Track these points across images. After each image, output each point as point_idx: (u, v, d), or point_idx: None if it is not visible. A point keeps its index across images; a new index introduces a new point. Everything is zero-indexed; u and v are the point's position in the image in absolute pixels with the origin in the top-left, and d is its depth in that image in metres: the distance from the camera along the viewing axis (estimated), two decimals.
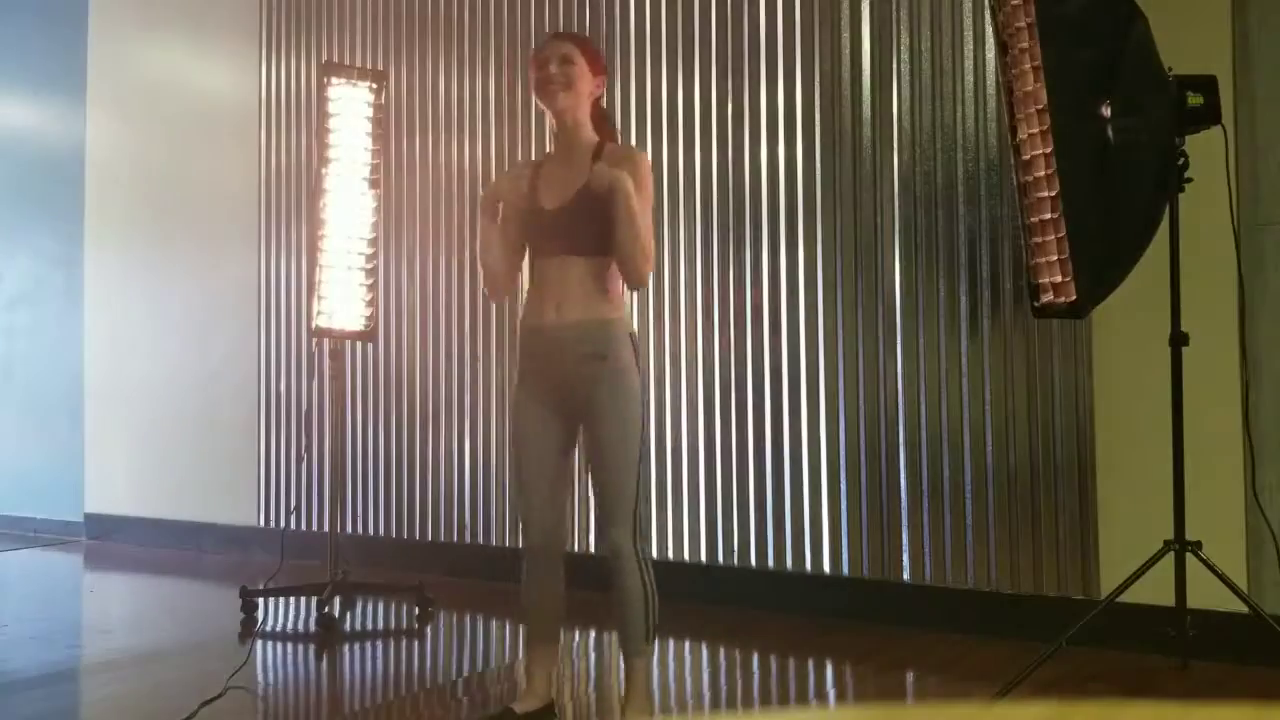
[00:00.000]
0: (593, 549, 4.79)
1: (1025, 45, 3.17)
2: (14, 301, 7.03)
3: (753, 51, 4.55)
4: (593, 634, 4.16)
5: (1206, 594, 3.28)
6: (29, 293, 6.97)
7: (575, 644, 4.09)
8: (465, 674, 3.79)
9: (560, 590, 3.09)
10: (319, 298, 4.38)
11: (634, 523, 2.94)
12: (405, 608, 4.60)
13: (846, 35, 4.35)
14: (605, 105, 3.18)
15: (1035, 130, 3.16)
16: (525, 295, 3.10)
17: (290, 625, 4.49)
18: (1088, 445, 3.86)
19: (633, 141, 4.77)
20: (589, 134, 3.06)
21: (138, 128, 6.44)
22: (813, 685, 3.64)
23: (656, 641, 3.02)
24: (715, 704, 3.36)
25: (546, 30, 5.05)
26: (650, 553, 3.08)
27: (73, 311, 6.66)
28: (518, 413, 3.06)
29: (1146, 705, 0.59)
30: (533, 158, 5.08)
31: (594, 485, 3.01)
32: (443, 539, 5.26)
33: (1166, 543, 3.24)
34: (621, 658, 3.03)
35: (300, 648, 4.25)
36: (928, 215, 4.16)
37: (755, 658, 3.87)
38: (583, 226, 2.94)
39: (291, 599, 4.64)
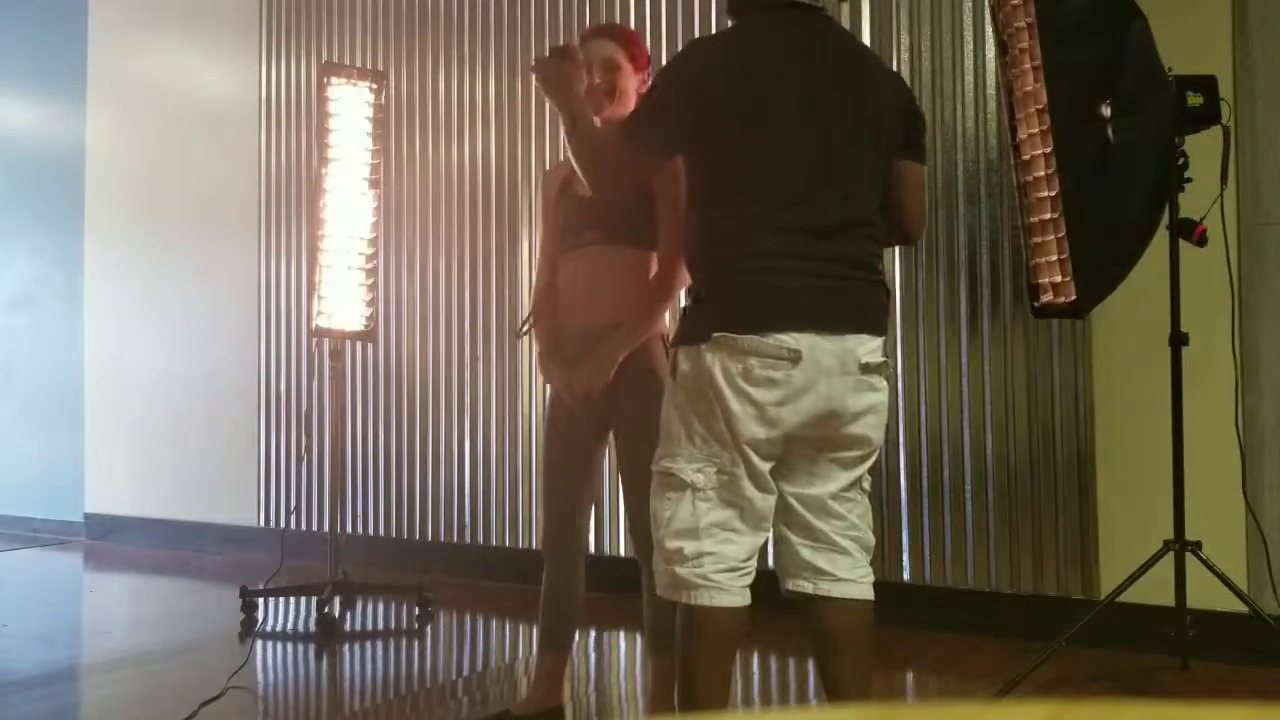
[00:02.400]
0: (592, 549, 4.79)
1: (1025, 45, 3.17)
2: (14, 301, 7.03)
3: None
4: (593, 634, 4.16)
5: (1206, 594, 3.28)
6: (29, 293, 6.97)
7: (575, 644, 4.09)
8: (465, 674, 3.79)
9: (576, 594, 3.04)
10: (319, 298, 4.37)
11: None
12: (405, 608, 4.60)
13: None
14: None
15: (1035, 130, 3.16)
16: (561, 296, 3.00)
17: (290, 625, 4.49)
18: (1087, 445, 3.86)
19: None
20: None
21: (138, 128, 6.44)
22: (813, 685, 3.64)
23: None
24: None
25: (547, 31, 5.05)
26: None
27: (73, 311, 6.66)
28: (550, 414, 3.02)
29: (1146, 705, 0.59)
30: (535, 156, 5.08)
31: (625, 490, 2.93)
32: (443, 539, 5.26)
33: (1166, 543, 3.24)
34: (644, 655, 3.02)
35: (300, 648, 4.25)
36: (927, 215, 4.16)
37: (755, 658, 3.87)
38: (618, 212, 2.85)
39: (291, 599, 4.64)
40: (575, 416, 2.94)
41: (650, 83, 2.49)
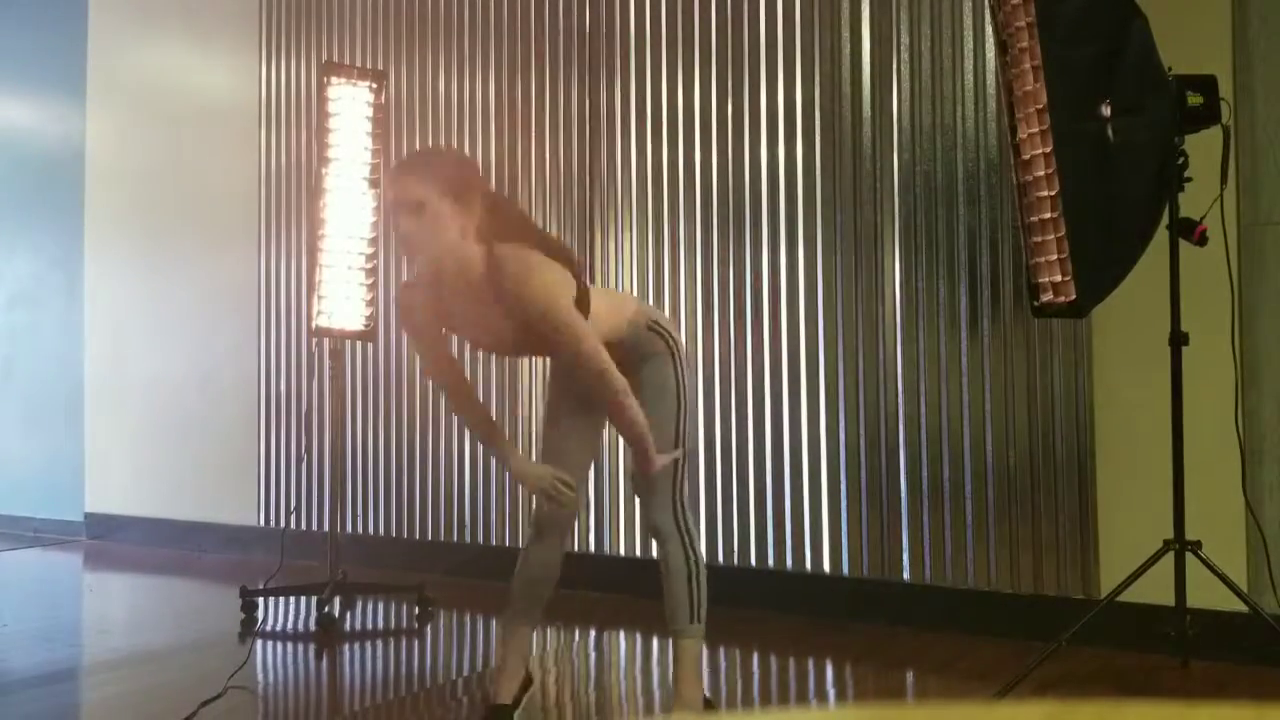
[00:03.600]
0: (592, 549, 4.79)
1: (1025, 45, 3.17)
2: (14, 301, 7.03)
3: (753, 51, 4.55)
4: (592, 634, 4.16)
5: (1206, 594, 3.28)
6: (29, 293, 6.97)
7: (575, 643, 4.09)
8: (465, 674, 3.79)
9: (554, 569, 3.00)
10: (319, 297, 4.37)
11: (675, 500, 2.89)
12: (405, 608, 4.60)
13: (846, 35, 4.35)
14: (490, 210, 2.73)
15: (1035, 130, 3.16)
16: None
17: (290, 625, 4.49)
18: (1088, 445, 3.86)
19: (632, 142, 4.77)
20: (477, 262, 2.69)
21: (138, 128, 6.44)
22: (813, 685, 3.64)
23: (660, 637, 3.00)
24: (715, 704, 3.36)
25: (547, 31, 5.05)
26: (696, 529, 2.96)
27: (73, 311, 6.66)
28: (550, 391, 3.07)
29: (1146, 705, 0.59)
30: (534, 156, 5.07)
31: (634, 465, 2.95)
32: (443, 539, 5.26)
33: (1166, 542, 3.24)
34: (671, 638, 2.97)
35: (300, 648, 4.25)
36: (928, 215, 4.16)
37: (755, 658, 3.87)
38: (544, 349, 2.92)
39: (291, 599, 4.64)
40: (576, 402, 2.96)
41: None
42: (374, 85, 4.52)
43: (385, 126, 4.69)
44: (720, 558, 4.52)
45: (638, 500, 2.99)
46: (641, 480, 2.92)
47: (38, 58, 6.96)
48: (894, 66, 4.25)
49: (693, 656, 2.94)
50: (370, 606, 4.71)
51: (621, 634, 4.16)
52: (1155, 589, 3.27)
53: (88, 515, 6.49)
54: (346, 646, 4.22)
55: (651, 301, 4.67)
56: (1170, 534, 3.24)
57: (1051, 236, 3.16)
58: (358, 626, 4.52)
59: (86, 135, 6.64)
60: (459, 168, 2.81)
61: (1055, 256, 3.17)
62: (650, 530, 2.95)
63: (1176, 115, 3.19)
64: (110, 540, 6.32)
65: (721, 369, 4.56)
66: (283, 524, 5.40)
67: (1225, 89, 3.30)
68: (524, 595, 3.02)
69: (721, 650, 3.92)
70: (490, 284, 2.68)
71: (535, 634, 3.18)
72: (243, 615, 4.39)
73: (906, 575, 4.14)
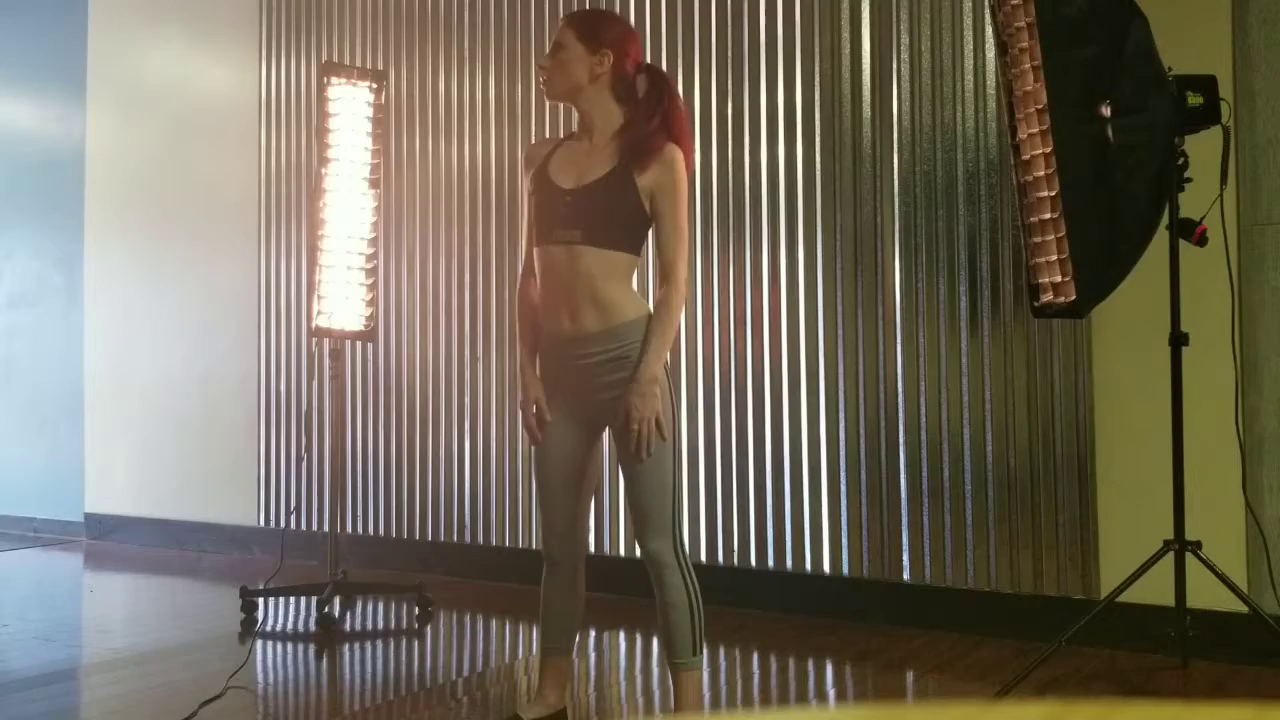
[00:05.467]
0: (592, 549, 4.79)
1: (1025, 45, 3.17)
2: (14, 301, 7.02)
3: (753, 51, 4.55)
4: (592, 634, 4.16)
5: (1206, 594, 3.28)
6: (29, 292, 6.96)
7: (575, 643, 4.08)
8: (465, 674, 3.79)
9: (578, 601, 3.01)
10: (319, 298, 4.37)
11: (674, 530, 2.82)
12: (405, 608, 4.60)
13: (846, 35, 4.35)
14: (633, 74, 2.89)
15: (1035, 130, 3.16)
16: (539, 291, 2.91)
17: (290, 625, 4.49)
18: (1088, 445, 3.86)
19: None
20: (609, 113, 2.86)
21: (138, 128, 6.44)
22: (813, 685, 3.64)
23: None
24: (715, 704, 3.36)
25: (547, 31, 5.05)
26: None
27: (73, 311, 6.66)
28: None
29: (1146, 705, 0.59)
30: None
31: (629, 496, 2.88)
32: (443, 539, 5.26)
33: (1166, 543, 3.24)
34: (669, 671, 2.92)
35: (300, 648, 4.25)
36: (928, 215, 4.16)
37: (755, 658, 3.87)
38: (602, 213, 2.79)
39: (291, 599, 4.64)
40: (566, 430, 2.90)
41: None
42: (374, 85, 4.52)
43: (385, 126, 4.69)
44: (720, 558, 4.52)
45: (635, 527, 2.88)
46: (638, 510, 2.85)
47: (38, 58, 6.96)
48: (894, 66, 4.25)
49: (696, 686, 2.91)
50: (370, 606, 4.71)
51: (621, 634, 4.16)
52: (1155, 589, 3.27)
53: (88, 515, 6.49)
54: (346, 646, 4.22)
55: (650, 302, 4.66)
56: (1170, 534, 3.24)
57: (1051, 237, 3.16)
58: (358, 626, 4.52)
59: (86, 135, 6.64)
60: (600, 24, 2.94)
61: (1055, 257, 3.17)
62: (647, 557, 2.84)
63: (1176, 115, 3.19)
64: (110, 540, 6.32)
65: (721, 369, 4.56)
66: (283, 524, 5.40)
67: (1225, 89, 3.30)
68: (550, 630, 3.02)
69: (721, 650, 3.92)
70: (633, 154, 2.78)
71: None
72: (243, 615, 4.39)
73: (906, 575, 4.14)
